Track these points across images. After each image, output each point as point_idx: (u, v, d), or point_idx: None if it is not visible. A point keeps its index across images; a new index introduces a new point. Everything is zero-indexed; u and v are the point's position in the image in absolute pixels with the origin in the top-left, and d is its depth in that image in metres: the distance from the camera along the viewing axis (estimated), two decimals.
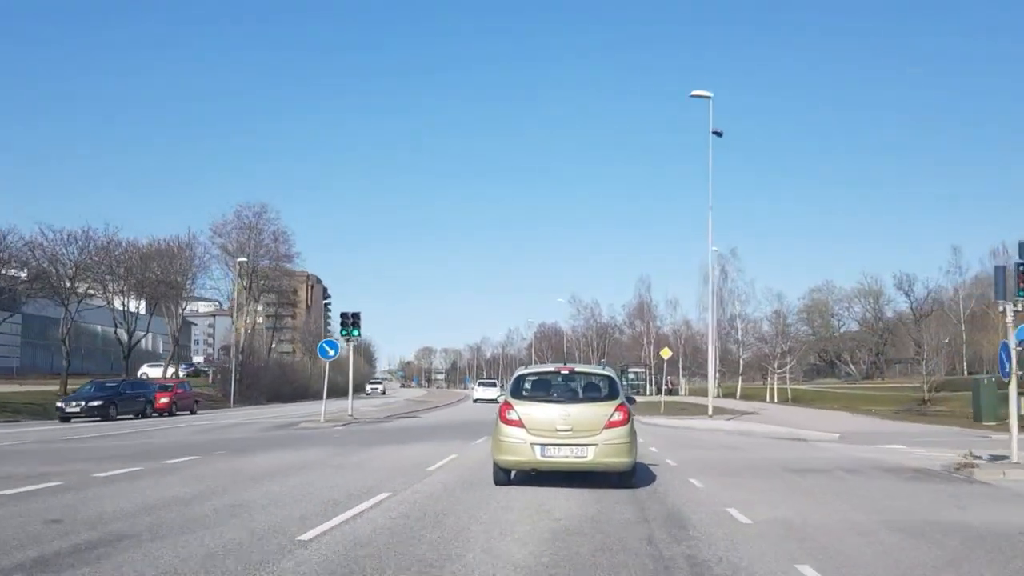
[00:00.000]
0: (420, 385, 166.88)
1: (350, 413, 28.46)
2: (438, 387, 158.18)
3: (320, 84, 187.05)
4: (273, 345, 79.18)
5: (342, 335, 27.67)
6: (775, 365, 60.52)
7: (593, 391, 11.15)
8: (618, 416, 10.46)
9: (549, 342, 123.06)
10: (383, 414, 35.97)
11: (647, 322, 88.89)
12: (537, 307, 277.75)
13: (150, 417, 33.96)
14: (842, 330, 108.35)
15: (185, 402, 38.87)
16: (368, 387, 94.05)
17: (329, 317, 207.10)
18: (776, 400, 59.30)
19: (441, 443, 18.41)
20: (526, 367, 13.07)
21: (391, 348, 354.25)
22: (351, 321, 27.37)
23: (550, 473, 10.91)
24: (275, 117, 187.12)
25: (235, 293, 66.87)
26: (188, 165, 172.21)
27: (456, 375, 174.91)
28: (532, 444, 10.37)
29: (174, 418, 34.37)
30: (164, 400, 36.67)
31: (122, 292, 54.40)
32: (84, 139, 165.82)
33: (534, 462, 10.49)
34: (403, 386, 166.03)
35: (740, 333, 70.55)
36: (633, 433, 10.71)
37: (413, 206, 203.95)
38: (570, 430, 10.33)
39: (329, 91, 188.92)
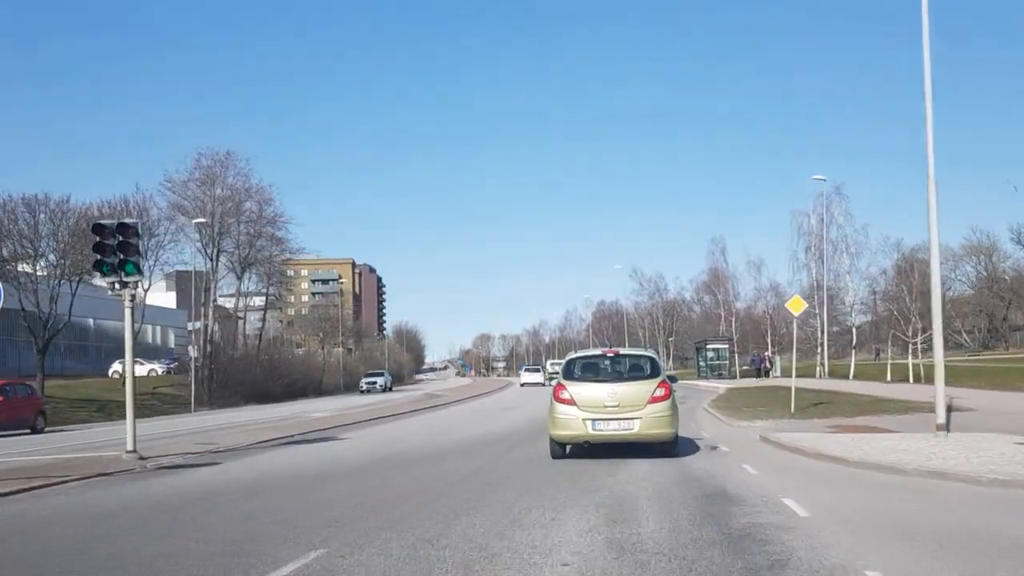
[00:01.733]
0: (479, 374, 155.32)
1: (130, 448, 12.88)
2: (498, 375, 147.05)
3: (371, 60, 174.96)
4: (266, 332, 64.45)
5: (103, 272, 12.91)
6: (910, 333, 44.08)
7: (637, 371, 12.63)
8: (660, 392, 11.88)
9: (610, 322, 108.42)
10: (296, 431, 21.11)
11: (724, 288, 72.70)
12: (595, 284, 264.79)
13: None
14: (949, 294, 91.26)
15: (19, 415, 25.01)
16: (363, 383, 67.38)
17: (384, 309, 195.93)
18: (911, 379, 42.85)
19: None
20: (575, 352, 14.71)
21: (451, 337, 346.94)
22: (116, 243, 12.65)
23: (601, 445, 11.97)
24: (321, 106, 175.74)
25: (205, 267, 52.93)
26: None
27: (514, 361, 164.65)
28: (584, 419, 11.79)
29: None
30: None
31: (23, 259, 41.29)
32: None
33: (587, 435, 11.91)
34: (458, 374, 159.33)
35: (852, 294, 54.31)
36: (674, 407, 12.10)
37: (464, 188, 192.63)
38: (617, 406, 11.72)
39: (380, 67, 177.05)
